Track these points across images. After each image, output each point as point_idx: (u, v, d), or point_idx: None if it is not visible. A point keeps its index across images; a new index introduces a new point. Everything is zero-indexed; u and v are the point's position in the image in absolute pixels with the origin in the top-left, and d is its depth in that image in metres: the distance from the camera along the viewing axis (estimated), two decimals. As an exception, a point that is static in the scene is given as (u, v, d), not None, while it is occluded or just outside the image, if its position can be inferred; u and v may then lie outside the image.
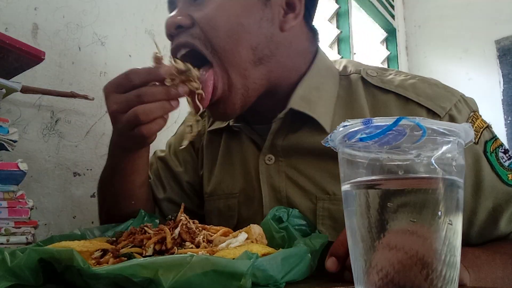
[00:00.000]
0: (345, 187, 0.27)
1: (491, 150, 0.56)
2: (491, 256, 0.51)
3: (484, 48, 2.57)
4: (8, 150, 0.60)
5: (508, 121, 2.44)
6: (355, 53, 2.30)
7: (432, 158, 0.24)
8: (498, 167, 0.55)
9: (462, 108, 0.57)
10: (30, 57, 0.63)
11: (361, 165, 0.25)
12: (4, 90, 0.61)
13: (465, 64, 2.65)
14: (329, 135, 0.27)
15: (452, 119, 0.56)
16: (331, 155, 0.58)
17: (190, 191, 0.78)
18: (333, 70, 0.65)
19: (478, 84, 2.57)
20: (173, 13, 0.60)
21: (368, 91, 0.61)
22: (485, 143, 0.56)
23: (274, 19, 0.59)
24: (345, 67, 0.66)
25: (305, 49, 0.64)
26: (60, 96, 0.85)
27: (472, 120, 0.57)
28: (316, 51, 0.66)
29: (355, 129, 0.25)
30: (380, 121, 0.24)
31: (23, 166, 0.56)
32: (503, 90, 2.49)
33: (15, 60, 0.64)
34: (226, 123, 0.71)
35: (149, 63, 1.17)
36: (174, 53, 0.61)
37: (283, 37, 0.60)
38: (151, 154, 0.76)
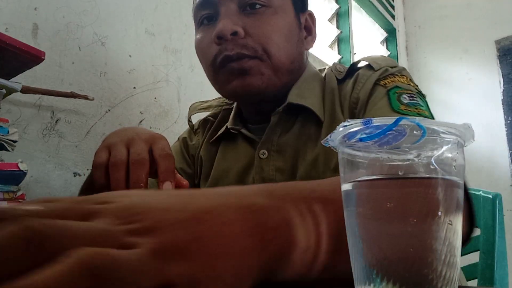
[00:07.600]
0: (345, 187, 0.27)
1: (397, 92, 0.61)
2: None
3: (484, 48, 2.58)
4: (8, 150, 0.60)
5: (508, 121, 2.44)
6: (355, 53, 2.30)
7: (432, 158, 0.24)
8: (394, 100, 0.60)
9: (396, 70, 0.66)
10: (30, 57, 0.64)
11: (361, 165, 0.25)
12: (4, 90, 0.62)
13: (465, 64, 2.65)
14: (329, 135, 0.27)
15: (384, 72, 0.64)
16: (317, 152, 0.65)
17: None
18: (319, 75, 0.75)
19: (478, 84, 2.58)
20: (226, 18, 0.63)
21: (339, 84, 0.71)
22: (395, 86, 0.62)
23: (303, 41, 0.71)
24: (326, 74, 0.77)
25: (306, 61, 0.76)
26: (60, 96, 0.85)
27: (400, 74, 0.64)
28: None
29: (355, 129, 0.25)
30: (380, 121, 0.24)
31: (23, 166, 0.56)
32: (503, 90, 2.49)
33: (15, 60, 0.64)
34: (224, 128, 0.76)
35: (149, 63, 1.18)
36: (237, 57, 0.63)
37: (305, 55, 0.73)
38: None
